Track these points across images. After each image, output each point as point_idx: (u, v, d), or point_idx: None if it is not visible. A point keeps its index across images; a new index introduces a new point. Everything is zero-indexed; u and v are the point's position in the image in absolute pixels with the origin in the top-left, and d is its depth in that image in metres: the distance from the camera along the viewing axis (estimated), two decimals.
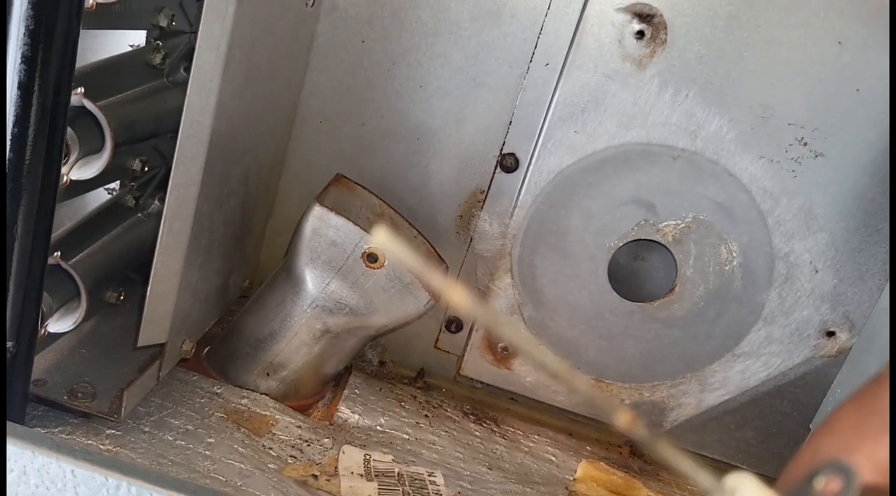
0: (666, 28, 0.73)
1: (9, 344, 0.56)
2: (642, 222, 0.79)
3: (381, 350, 0.91)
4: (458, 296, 0.26)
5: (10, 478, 0.54)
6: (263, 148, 0.77)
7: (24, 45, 0.45)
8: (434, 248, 0.82)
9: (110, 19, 0.60)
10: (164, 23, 0.66)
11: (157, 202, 0.75)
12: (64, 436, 0.62)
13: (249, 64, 0.63)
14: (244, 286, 0.85)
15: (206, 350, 0.82)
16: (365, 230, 0.72)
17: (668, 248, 0.80)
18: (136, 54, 0.66)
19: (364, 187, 0.81)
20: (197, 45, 0.56)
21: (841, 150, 0.75)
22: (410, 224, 0.82)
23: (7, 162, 0.48)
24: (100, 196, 0.73)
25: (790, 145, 0.75)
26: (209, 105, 0.58)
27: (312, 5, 0.76)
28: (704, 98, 0.75)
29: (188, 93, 0.57)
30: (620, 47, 0.74)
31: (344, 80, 0.82)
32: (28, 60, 0.46)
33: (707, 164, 0.76)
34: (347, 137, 0.84)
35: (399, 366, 0.91)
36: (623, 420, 0.28)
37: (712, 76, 0.74)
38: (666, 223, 0.79)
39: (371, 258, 0.72)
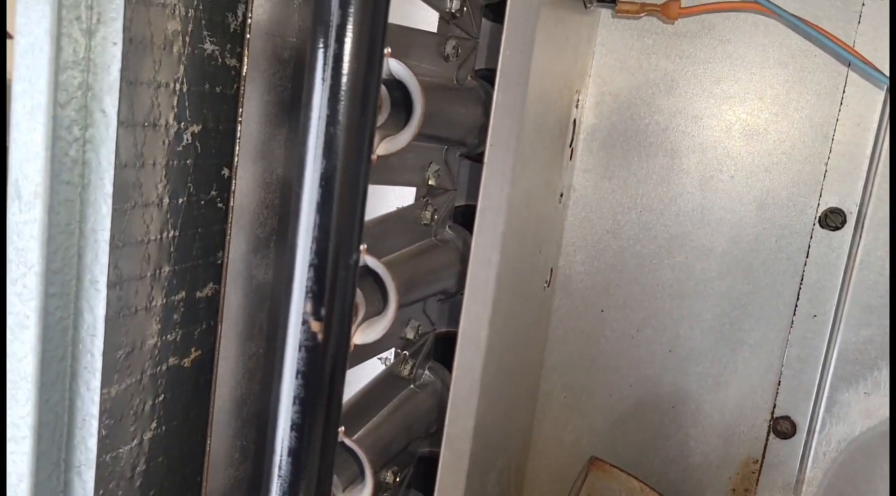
0: None
1: None
2: None
3: None
4: None
5: None
6: (513, 438, 0.73)
7: (294, 412, 0.45)
8: None
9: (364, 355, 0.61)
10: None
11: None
12: None
13: (501, 364, 0.61)
14: None
15: None
16: None
17: None
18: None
19: (621, 469, 0.74)
20: (459, 340, 0.54)
21: None
22: None
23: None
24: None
25: None
26: (470, 413, 0.56)
27: (549, 285, 0.74)
28: None
29: (449, 410, 0.55)
30: None
31: (586, 351, 0.78)
32: (297, 427, 0.45)
33: None
34: (595, 410, 0.79)
35: None
36: None
37: None
38: None
39: None
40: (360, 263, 0.52)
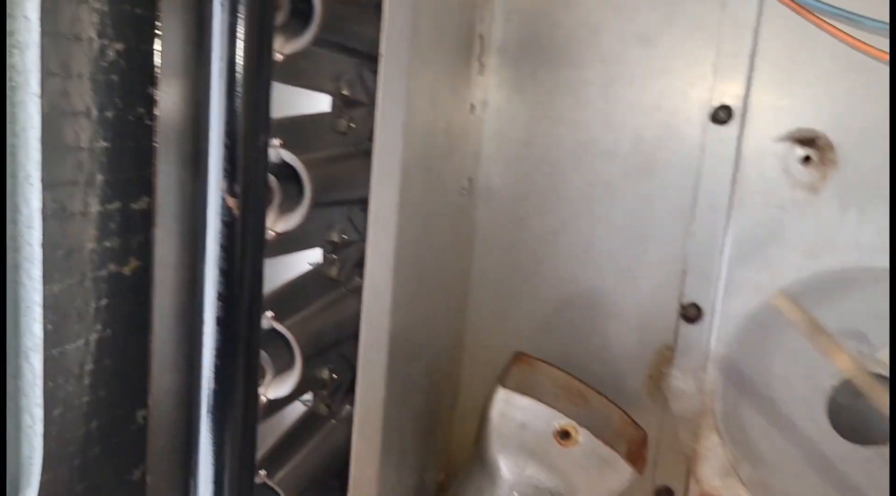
0: (833, 148, 0.69)
1: None
2: (855, 354, 0.71)
3: None
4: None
5: None
6: (440, 339, 0.78)
7: (219, 284, 0.49)
8: (628, 415, 0.78)
9: (290, 244, 0.66)
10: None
11: (348, 406, 0.77)
12: None
13: (417, 259, 0.66)
14: (440, 479, 0.84)
15: None
16: (553, 407, 0.70)
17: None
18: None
19: (546, 362, 0.80)
20: (368, 247, 0.59)
21: None
22: (599, 393, 0.78)
23: (212, 392, 0.52)
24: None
25: None
26: (384, 309, 0.61)
27: (468, 193, 0.80)
28: None
29: (364, 302, 0.59)
30: (787, 176, 0.71)
31: (509, 258, 0.84)
32: (223, 297, 0.50)
33: None
34: (522, 314, 0.84)
35: None
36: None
37: None
38: (885, 350, 0.70)
39: (564, 435, 0.69)
40: (277, 159, 0.56)
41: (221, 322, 0.50)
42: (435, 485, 0.83)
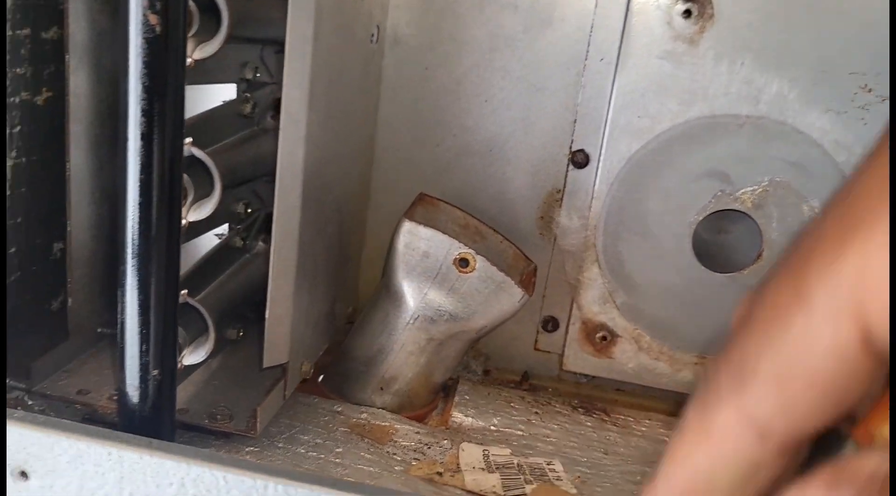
0: (711, 3, 0.76)
1: (154, 372, 0.62)
2: (719, 193, 0.81)
3: (483, 359, 0.95)
4: None
5: (170, 491, 0.59)
6: (350, 178, 0.82)
7: (142, 99, 0.52)
8: (521, 250, 0.86)
9: (205, 74, 0.68)
10: (249, 75, 0.73)
11: (260, 242, 0.82)
12: None
13: (329, 99, 0.69)
14: (348, 312, 0.90)
15: (322, 376, 0.87)
16: (454, 238, 0.77)
17: (748, 215, 0.81)
18: (229, 106, 0.73)
19: (447, 202, 0.86)
20: (284, 84, 0.62)
21: None
22: (495, 230, 0.86)
23: (137, 206, 0.55)
24: (211, 240, 0.80)
25: (855, 94, 0.76)
26: (300, 137, 0.65)
27: (377, 41, 0.83)
28: (760, 63, 0.77)
29: (281, 127, 0.63)
30: (670, 28, 0.77)
31: (414, 107, 0.88)
32: (146, 113, 0.53)
33: (774, 125, 0.78)
34: (425, 160, 0.90)
35: (503, 372, 0.95)
36: None
37: (765, 41, 0.76)
38: (743, 190, 0.80)
39: (463, 263, 0.77)
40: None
41: (145, 137, 0.53)
42: (344, 317, 0.90)
